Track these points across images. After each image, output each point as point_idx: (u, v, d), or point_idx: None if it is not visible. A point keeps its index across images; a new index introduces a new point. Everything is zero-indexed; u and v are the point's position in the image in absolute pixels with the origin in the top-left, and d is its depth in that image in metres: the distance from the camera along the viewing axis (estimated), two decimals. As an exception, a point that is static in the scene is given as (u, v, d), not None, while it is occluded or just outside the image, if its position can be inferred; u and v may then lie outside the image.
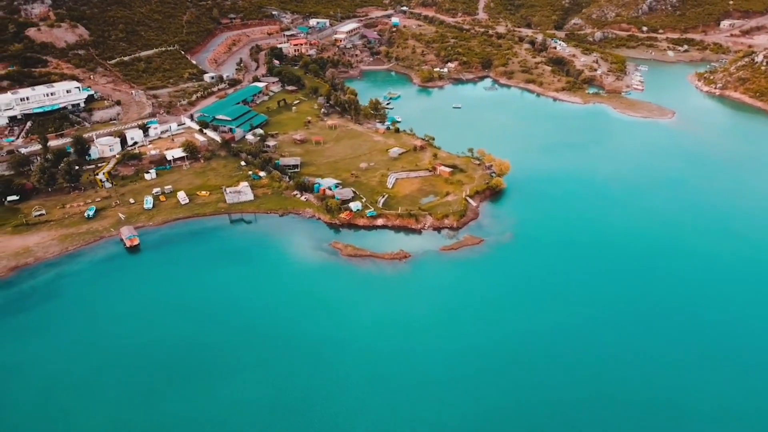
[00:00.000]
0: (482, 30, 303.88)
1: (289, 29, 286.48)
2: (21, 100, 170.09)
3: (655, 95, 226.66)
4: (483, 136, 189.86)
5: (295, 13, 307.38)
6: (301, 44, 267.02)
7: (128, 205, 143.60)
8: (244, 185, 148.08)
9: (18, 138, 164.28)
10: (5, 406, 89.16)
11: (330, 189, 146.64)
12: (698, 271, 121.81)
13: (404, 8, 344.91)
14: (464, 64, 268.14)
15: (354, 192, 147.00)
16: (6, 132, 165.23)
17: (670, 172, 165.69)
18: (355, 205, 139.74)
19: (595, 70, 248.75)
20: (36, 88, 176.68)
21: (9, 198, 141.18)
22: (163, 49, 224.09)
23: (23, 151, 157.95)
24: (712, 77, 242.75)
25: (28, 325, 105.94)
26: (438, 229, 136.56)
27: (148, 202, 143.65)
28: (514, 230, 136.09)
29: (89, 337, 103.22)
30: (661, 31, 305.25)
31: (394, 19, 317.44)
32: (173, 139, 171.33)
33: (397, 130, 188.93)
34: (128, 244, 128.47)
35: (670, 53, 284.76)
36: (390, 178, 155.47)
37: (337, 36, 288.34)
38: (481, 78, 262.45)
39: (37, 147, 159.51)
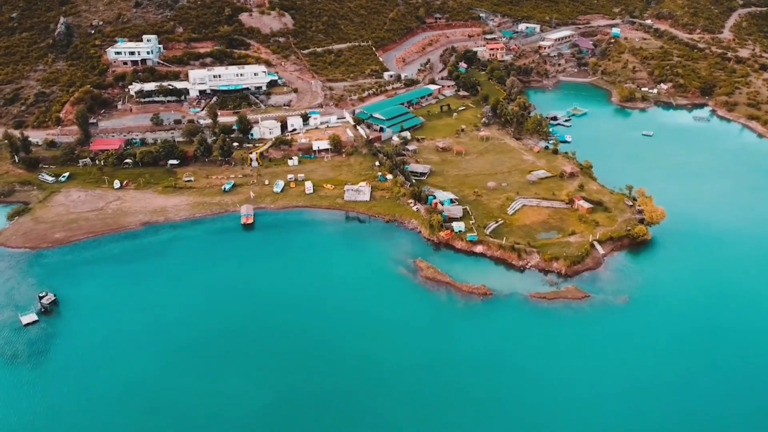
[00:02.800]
0: (720, 51, 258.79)
1: (492, 32, 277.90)
2: (214, 77, 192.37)
3: None
4: (659, 172, 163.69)
5: (506, 16, 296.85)
6: (497, 49, 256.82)
7: (262, 186, 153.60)
8: (362, 185, 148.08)
9: (202, 110, 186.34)
10: (74, 336, 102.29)
11: (442, 204, 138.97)
12: None
13: (634, 19, 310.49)
14: (679, 87, 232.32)
15: (467, 211, 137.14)
16: (194, 103, 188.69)
17: None
18: (458, 226, 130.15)
19: None
20: (229, 67, 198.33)
21: (171, 161, 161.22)
22: (356, 44, 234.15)
23: (201, 122, 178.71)
24: None
25: (129, 273, 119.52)
26: (544, 272, 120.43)
27: (279, 185, 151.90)
28: (635, 293, 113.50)
29: (172, 297, 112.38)
30: None
31: (615, 30, 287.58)
32: (326, 131, 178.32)
33: (555, 152, 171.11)
34: (243, 221, 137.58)
35: None
36: (516, 203, 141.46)
37: (543, 43, 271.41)
38: (697, 105, 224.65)
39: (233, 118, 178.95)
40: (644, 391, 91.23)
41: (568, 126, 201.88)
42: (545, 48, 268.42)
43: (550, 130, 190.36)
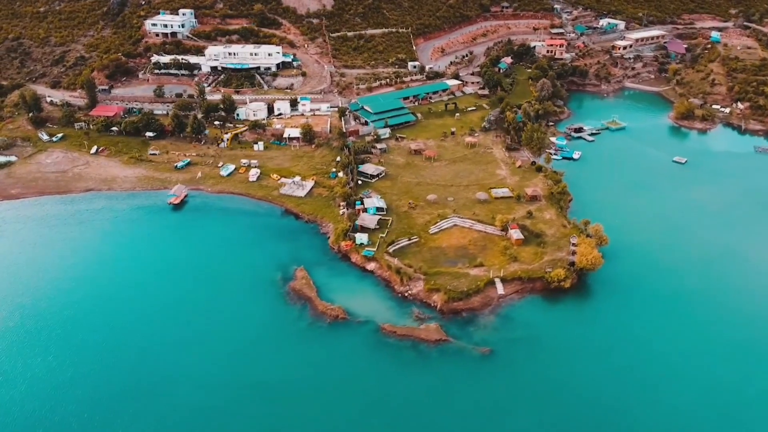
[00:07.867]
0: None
1: (561, 26, 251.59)
2: (228, 54, 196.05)
3: None
4: (660, 209, 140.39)
5: (588, 8, 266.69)
6: (557, 45, 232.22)
7: (213, 167, 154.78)
8: (297, 179, 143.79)
9: (209, 86, 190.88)
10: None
11: (366, 211, 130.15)
12: None
13: (750, 23, 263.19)
14: (757, 108, 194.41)
15: (386, 223, 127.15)
16: (204, 79, 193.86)
17: None
18: (360, 238, 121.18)
19: None
20: (246, 46, 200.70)
21: (147, 133, 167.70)
22: (394, 30, 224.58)
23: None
24: None
25: (44, 235, 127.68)
26: (423, 303, 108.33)
27: (227, 169, 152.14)
28: (503, 347, 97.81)
29: (58, 265, 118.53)
30: None
31: (714, 34, 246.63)
32: (308, 119, 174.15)
33: (539, 169, 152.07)
34: (170, 201, 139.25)
35: None
36: (446, 221, 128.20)
37: (619, 42, 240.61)
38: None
39: (219, 96, 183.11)
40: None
41: (591, 141, 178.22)
42: (619, 48, 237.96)
43: (556, 142, 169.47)
